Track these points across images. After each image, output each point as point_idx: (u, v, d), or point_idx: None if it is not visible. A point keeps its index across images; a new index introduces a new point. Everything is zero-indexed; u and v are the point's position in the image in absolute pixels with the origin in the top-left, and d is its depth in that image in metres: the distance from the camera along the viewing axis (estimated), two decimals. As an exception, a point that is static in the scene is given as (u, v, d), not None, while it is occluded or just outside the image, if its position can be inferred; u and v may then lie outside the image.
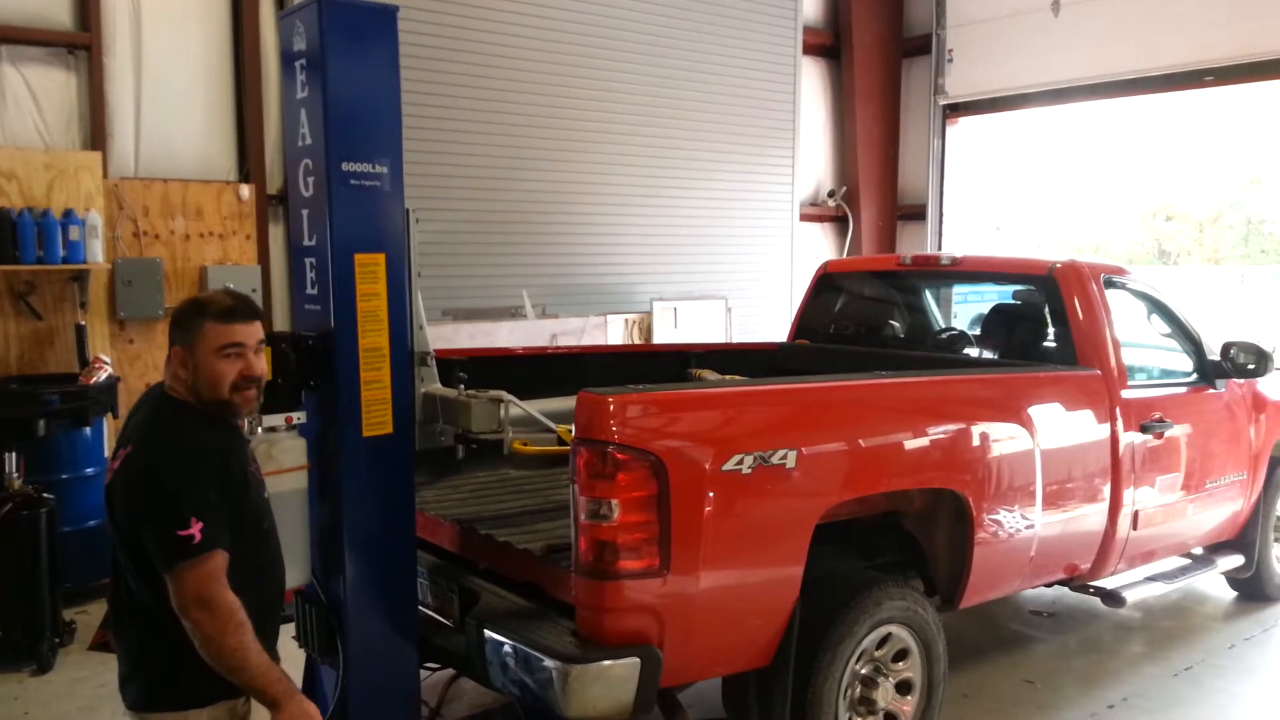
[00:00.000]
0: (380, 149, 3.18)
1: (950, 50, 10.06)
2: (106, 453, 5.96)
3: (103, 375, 5.63)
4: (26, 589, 4.75)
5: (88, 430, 5.64)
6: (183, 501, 2.35)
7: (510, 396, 3.55)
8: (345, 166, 3.11)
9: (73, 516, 5.42)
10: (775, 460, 3.17)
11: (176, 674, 2.46)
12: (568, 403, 3.17)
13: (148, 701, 2.52)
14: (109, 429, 5.96)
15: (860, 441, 3.48)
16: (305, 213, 3.24)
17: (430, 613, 3.58)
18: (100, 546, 5.74)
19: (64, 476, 5.52)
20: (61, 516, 5.05)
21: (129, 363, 6.23)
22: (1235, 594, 5.98)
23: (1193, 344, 5.23)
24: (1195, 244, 22.85)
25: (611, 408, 2.95)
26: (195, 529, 2.32)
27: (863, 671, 3.60)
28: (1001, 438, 3.94)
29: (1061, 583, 4.70)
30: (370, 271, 3.19)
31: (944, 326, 5.99)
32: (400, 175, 3.25)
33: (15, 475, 5.04)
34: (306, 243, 3.25)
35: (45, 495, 4.91)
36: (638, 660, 2.93)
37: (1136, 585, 4.96)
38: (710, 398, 3.38)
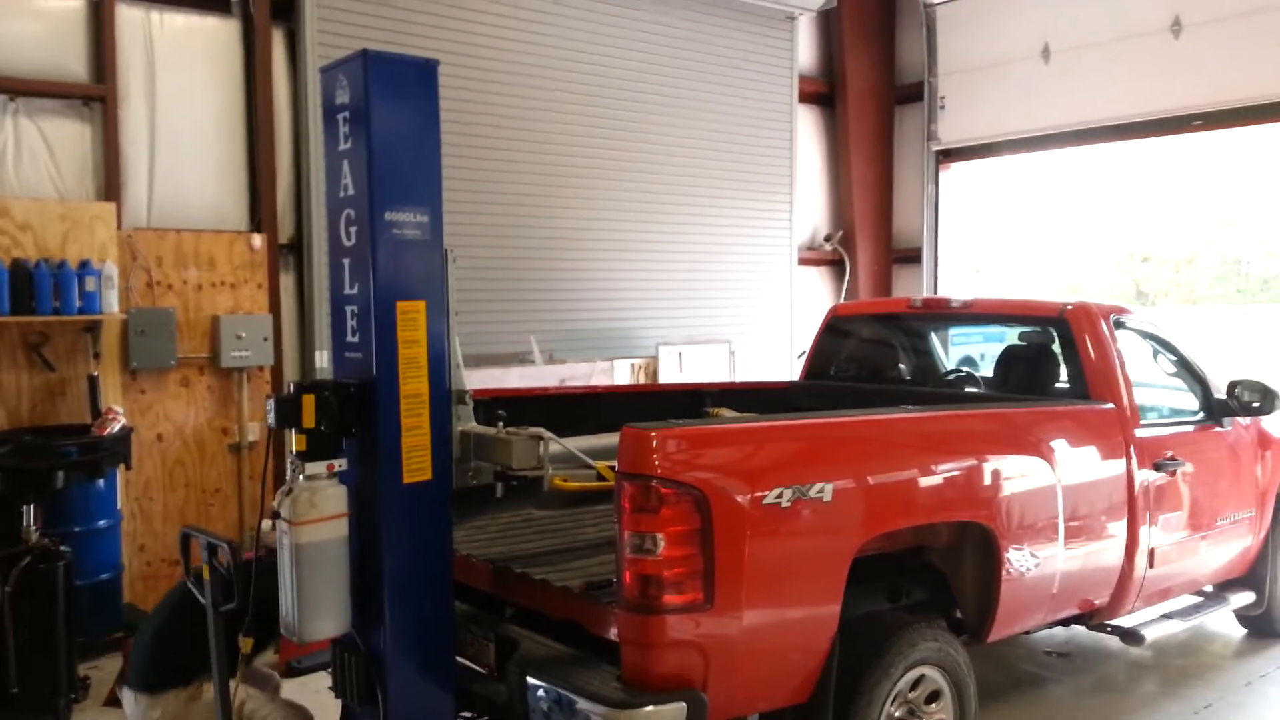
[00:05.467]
0: (421, 199, 3.25)
1: (942, 97, 10.25)
2: (119, 504, 5.93)
3: (116, 426, 5.59)
4: (43, 644, 4.67)
5: (101, 482, 5.60)
6: None
7: (550, 434, 3.58)
8: (388, 216, 3.17)
9: (86, 570, 5.36)
10: (813, 494, 3.23)
11: None
12: (601, 440, 3.21)
13: None
14: (121, 481, 5.93)
15: (895, 474, 3.54)
16: (347, 262, 3.29)
17: (465, 661, 3.57)
18: (114, 600, 5.72)
19: (77, 529, 5.47)
20: (74, 570, 4.96)
21: (140, 413, 6.20)
22: (1244, 631, 6.01)
23: (1199, 383, 5.31)
24: (1172, 284, 23.11)
25: (655, 443, 3.00)
26: None
27: (897, 715, 3.61)
28: (1026, 471, 4.02)
29: (1080, 621, 4.73)
30: (411, 319, 3.24)
31: (951, 368, 6.06)
32: (440, 223, 3.31)
33: (33, 528, 4.98)
34: (348, 291, 3.29)
35: (63, 548, 4.82)
36: (684, 705, 2.94)
37: (1153, 623, 5.01)
38: (750, 432, 3.43)
